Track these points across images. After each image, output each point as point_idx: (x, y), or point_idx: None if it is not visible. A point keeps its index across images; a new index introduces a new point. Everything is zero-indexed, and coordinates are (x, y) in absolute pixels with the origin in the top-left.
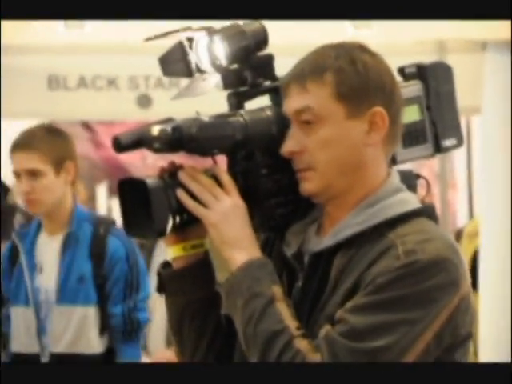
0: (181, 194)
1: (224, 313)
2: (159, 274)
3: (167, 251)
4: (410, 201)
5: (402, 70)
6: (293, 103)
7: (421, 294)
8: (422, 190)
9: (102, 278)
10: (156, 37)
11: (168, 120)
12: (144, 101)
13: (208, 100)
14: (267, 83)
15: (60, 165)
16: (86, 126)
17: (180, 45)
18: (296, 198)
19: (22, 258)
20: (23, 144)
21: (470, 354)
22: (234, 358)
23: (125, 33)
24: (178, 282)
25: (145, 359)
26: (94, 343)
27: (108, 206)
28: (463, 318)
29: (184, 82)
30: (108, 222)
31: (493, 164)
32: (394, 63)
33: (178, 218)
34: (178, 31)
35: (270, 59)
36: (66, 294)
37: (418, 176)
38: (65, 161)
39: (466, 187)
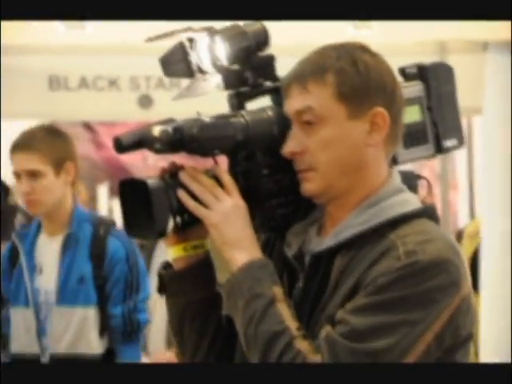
0: (182, 194)
1: (225, 313)
2: (160, 275)
3: (167, 252)
4: (410, 201)
5: (402, 71)
6: (294, 104)
7: (421, 295)
8: (422, 191)
9: (102, 279)
10: (157, 37)
11: (169, 120)
12: (145, 101)
13: (209, 100)
14: (268, 84)
15: (60, 165)
16: (87, 126)
17: (181, 45)
18: (297, 199)
19: (22, 259)
20: (23, 145)
21: (471, 355)
22: (234, 358)
23: (126, 33)
24: (178, 282)
25: (144, 360)
26: (93, 344)
27: (109, 206)
28: (464, 318)
29: (185, 82)
30: (108, 223)
31: (494, 164)
32: (394, 64)
33: (178, 219)
34: (179, 32)
35: (271, 60)
36: (66, 294)
37: (418, 176)
38: (65, 161)
39: (466, 188)
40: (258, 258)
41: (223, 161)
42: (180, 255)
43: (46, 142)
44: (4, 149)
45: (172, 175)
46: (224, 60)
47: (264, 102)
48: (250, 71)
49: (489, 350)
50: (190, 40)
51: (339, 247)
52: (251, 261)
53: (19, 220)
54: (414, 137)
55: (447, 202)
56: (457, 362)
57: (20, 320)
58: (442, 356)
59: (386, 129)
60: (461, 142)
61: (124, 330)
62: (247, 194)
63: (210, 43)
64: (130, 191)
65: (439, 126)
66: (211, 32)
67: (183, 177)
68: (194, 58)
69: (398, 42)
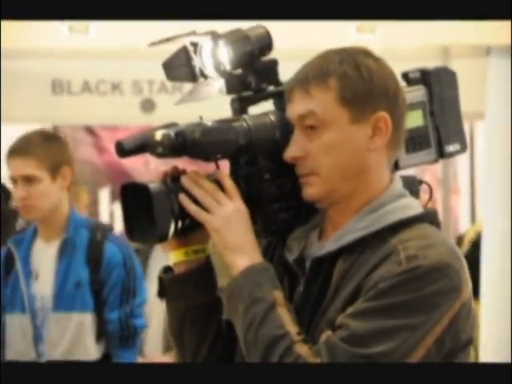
0: (183, 198)
1: (225, 318)
2: (160, 279)
3: (163, 256)
4: (412, 206)
5: (405, 75)
6: (296, 108)
7: (422, 300)
8: (424, 196)
9: (98, 284)
10: (160, 42)
11: (171, 125)
12: (148, 105)
13: (211, 105)
14: (271, 88)
15: (56, 170)
16: (90, 130)
17: (184, 49)
18: (298, 203)
19: (18, 265)
20: (19, 150)
21: (471, 359)
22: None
23: (129, 38)
24: (179, 286)
25: None
26: (90, 350)
27: (110, 210)
28: (464, 323)
29: (188, 86)
30: (105, 228)
31: (495, 169)
32: (397, 68)
33: (180, 223)
34: (182, 36)
35: (273, 64)
36: (63, 300)
37: (420, 181)
38: (61, 166)
39: (468, 193)
40: (259, 263)
41: (225, 165)
42: (181, 259)
43: (43, 147)
44: (4, 153)
45: (174, 179)
46: (227, 64)
47: (267, 106)
48: (253, 76)
49: (489, 350)
50: (194, 44)
51: (340, 252)
52: (252, 265)
53: (20, 224)
54: (416, 141)
55: (448, 207)
56: (457, 362)
57: (16, 326)
58: (442, 361)
59: (389, 133)
60: (463, 147)
61: (121, 334)
62: (249, 198)
63: (213, 48)
64: (132, 195)
65: (442, 131)
66: (214, 36)
67: (185, 181)
68: (197, 62)
69: (400, 46)
